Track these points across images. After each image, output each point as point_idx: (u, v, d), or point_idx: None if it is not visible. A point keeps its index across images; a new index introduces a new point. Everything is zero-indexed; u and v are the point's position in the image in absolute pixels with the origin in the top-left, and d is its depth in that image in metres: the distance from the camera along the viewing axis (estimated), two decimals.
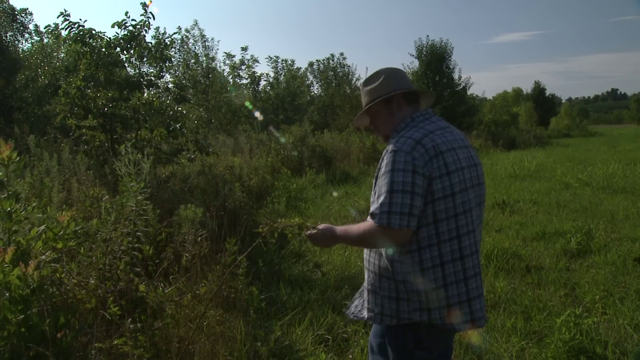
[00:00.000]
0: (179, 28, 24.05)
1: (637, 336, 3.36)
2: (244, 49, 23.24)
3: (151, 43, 7.15)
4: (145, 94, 7.46)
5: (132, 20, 6.79)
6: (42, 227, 2.38)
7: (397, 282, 1.84)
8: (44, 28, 7.72)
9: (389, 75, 2.02)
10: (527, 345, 3.32)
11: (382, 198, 1.74)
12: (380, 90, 1.99)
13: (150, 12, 6.82)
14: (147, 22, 6.86)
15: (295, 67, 28.71)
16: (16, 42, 19.98)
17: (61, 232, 2.39)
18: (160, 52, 7.12)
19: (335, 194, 9.16)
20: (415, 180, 1.73)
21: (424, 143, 1.79)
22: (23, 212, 2.38)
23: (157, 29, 22.86)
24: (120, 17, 6.90)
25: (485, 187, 1.96)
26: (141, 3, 6.70)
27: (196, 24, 25.03)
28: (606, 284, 4.31)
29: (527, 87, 66.10)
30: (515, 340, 3.35)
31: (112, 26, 6.75)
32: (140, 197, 3.10)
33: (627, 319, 3.60)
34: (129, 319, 2.76)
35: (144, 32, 6.91)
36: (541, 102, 50.00)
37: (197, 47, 22.65)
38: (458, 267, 1.80)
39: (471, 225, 1.82)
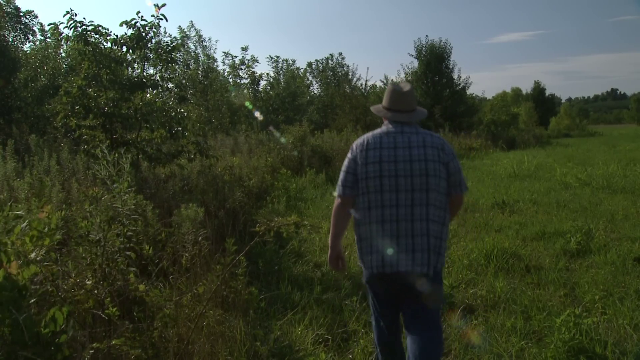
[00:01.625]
0: (180, 28, 23.98)
1: (636, 336, 3.35)
2: (244, 49, 23.25)
3: (158, 44, 7.12)
4: (148, 95, 7.45)
5: (143, 20, 6.75)
6: (24, 224, 2.36)
7: None
8: (48, 25, 7.72)
9: (386, 94, 2.80)
10: (527, 345, 3.32)
11: None
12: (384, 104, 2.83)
13: (162, 14, 6.76)
14: (156, 24, 6.83)
15: (295, 67, 28.70)
16: (18, 42, 19.98)
17: (46, 229, 2.36)
18: (167, 54, 7.09)
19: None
20: (350, 164, 2.67)
21: (361, 142, 2.69)
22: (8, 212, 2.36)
23: (159, 28, 22.69)
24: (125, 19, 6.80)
25: (432, 175, 2.58)
26: (155, 5, 6.67)
27: (192, 24, 24.94)
28: (606, 283, 4.30)
29: (526, 87, 66.15)
30: (515, 340, 3.35)
31: (121, 24, 6.72)
32: (126, 197, 3.09)
33: (626, 318, 3.60)
34: (128, 319, 2.76)
35: (152, 34, 6.87)
36: (541, 102, 49.98)
37: (196, 47, 22.67)
38: (366, 229, 2.61)
39: (379, 202, 2.57)
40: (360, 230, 2.67)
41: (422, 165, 2.59)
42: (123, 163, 3.33)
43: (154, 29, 6.85)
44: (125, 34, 6.80)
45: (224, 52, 25.91)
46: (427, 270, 2.55)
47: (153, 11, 6.69)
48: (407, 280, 2.55)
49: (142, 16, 6.73)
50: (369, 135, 2.72)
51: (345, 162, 2.71)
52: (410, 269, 2.52)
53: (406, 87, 2.80)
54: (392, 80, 28.49)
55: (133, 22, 6.71)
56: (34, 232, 2.32)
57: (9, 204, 2.50)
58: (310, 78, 31.85)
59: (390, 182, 2.58)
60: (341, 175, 2.71)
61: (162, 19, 6.77)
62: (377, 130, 2.73)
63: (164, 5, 6.71)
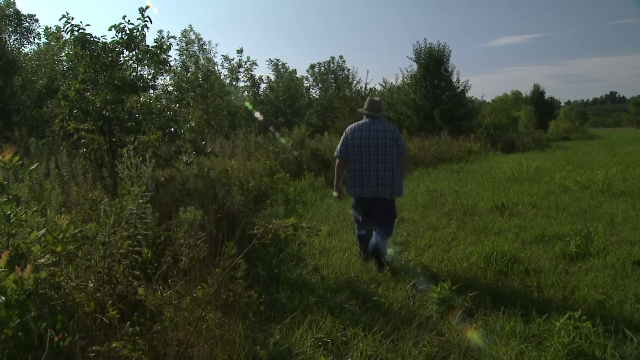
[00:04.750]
0: (185, 31, 24.00)
1: (636, 339, 3.35)
2: (239, 51, 23.37)
3: (149, 46, 7.14)
4: (142, 98, 7.45)
5: (130, 24, 6.79)
6: (42, 231, 2.37)
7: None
8: (44, 31, 7.77)
9: (366, 102, 5.21)
10: (527, 348, 3.31)
11: None
12: (363, 108, 5.23)
13: (147, 16, 6.82)
14: (144, 26, 6.87)
15: (290, 70, 28.78)
16: (18, 45, 20.02)
17: (60, 236, 2.38)
18: (157, 55, 7.11)
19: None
20: (343, 140, 5.06)
21: (351, 127, 5.09)
22: (23, 215, 2.37)
23: (161, 31, 22.74)
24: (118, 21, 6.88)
25: (389, 146, 4.96)
26: (139, 8, 6.75)
27: (191, 28, 25.02)
28: (605, 287, 4.30)
29: (526, 90, 66.18)
30: (515, 344, 3.34)
31: (110, 29, 6.75)
32: (141, 201, 3.09)
33: (626, 322, 3.60)
34: (128, 322, 2.75)
35: (141, 36, 6.91)
36: (540, 105, 50.13)
37: (199, 51, 22.73)
38: (351, 174, 4.96)
39: (358, 159, 4.94)
40: (349, 175, 5.02)
41: (382, 141, 4.95)
42: (146, 166, 3.33)
43: (141, 31, 6.88)
44: (115, 37, 6.85)
45: (222, 55, 26.06)
46: (383, 195, 4.90)
47: (157, 17, 6.75)
48: (375, 199, 4.93)
49: (129, 20, 6.77)
50: (354, 124, 5.13)
51: (342, 139, 5.12)
52: (375, 195, 4.90)
53: (376, 98, 5.22)
54: (391, 83, 28.96)
55: (121, 26, 6.75)
56: (49, 238, 2.33)
57: (32, 209, 2.50)
58: (310, 80, 31.93)
59: (364, 150, 4.95)
60: (339, 146, 5.12)
61: (147, 22, 6.82)
62: (360, 122, 5.11)
63: (147, 7, 6.77)
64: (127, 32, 6.79)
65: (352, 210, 5.25)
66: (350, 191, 5.03)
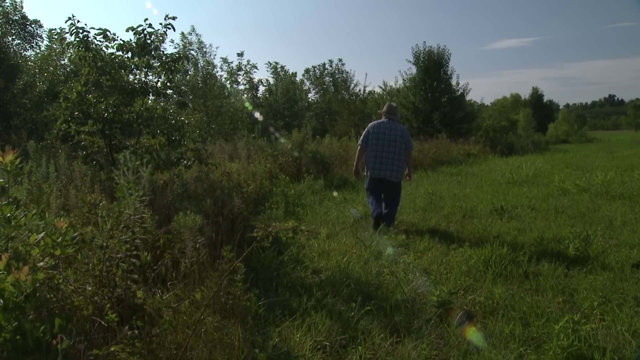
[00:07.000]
0: (182, 34, 24.01)
1: (635, 342, 3.35)
2: (240, 54, 23.39)
3: (164, 53, 7.14)
4: (150, 101, 7.45)
5: (151, 28, 6.79)
6: (42, 234, 2.36)
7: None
8: (47, 33, 7.79)
9: (385, 106, 7.14)
10: (526, 351, 3.31)
11: None
12: (383, 110, 7.16)
13: (171, 24, 6.82)
14: (163, 33, 6.87)
15: (290, 73, 28.80)
16: (21, 50, 20.07)
17: (60, 239, 2.37)
18: (172, 62, 7.09)
19: (335, 193, 9.32)
20: (365, 132, 6.93)
21: (372, 124, 6.96)
22: (23, 218, 2.37)
23: (165, 37, 22.69)
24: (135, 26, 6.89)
25: (399, 142, 6.74)
26: (165, 15, 6.78)
27: (193, 29, 25.06)
28: (604, 290, 4.30)
29: (525, 93, 66.28)
30: (514, 347, 3.34)
31: (127, 30, 6.76)
32: (138, 205, 3.09)
33: (625, 325, 3.60)
34: (126, 326, 2.75)
35: (157, 42, 6.91)
36: (539, 108, 50.20)
37: (197, 53, 22.73)
38: (368, 159, 6.82)
39: (374, 148, 6.74)
40: (367, 159, 6.70)
41: (393, 137, 6.68)
42: (143, 171, 3.32)
43: (159, 37, 6.88)
44: (131, 40, 6.84)
45: (222, 58, 26.06)
46: (389, 178, 6.62)
47: (161, 19, 6.77)
48: (386, 181, 6.63)
49: (149, 23, 6.76)
50: (375, 121, 6.87)
51: (364, 131, 6.87)
52: (383, 177, 6.62)
53: (393, 103, 7.04)
54: (391, 86, 29.14)
55: (140, 28, 6.75)
56: (48, 241, 2.33)
57: (32, 212, 2.49)
58: (307, 84, 31.95)
59: (379, 142, 6.67)
60: (361, 136, 6.86)
61: (169, 28, 6.82)
62: (379, 120, 6.88)
63: (174, 17, 6.78)
64: (144, 35, 6.77)
65: (366, 187, 7.02)
66: (367, 172, 6.77)
